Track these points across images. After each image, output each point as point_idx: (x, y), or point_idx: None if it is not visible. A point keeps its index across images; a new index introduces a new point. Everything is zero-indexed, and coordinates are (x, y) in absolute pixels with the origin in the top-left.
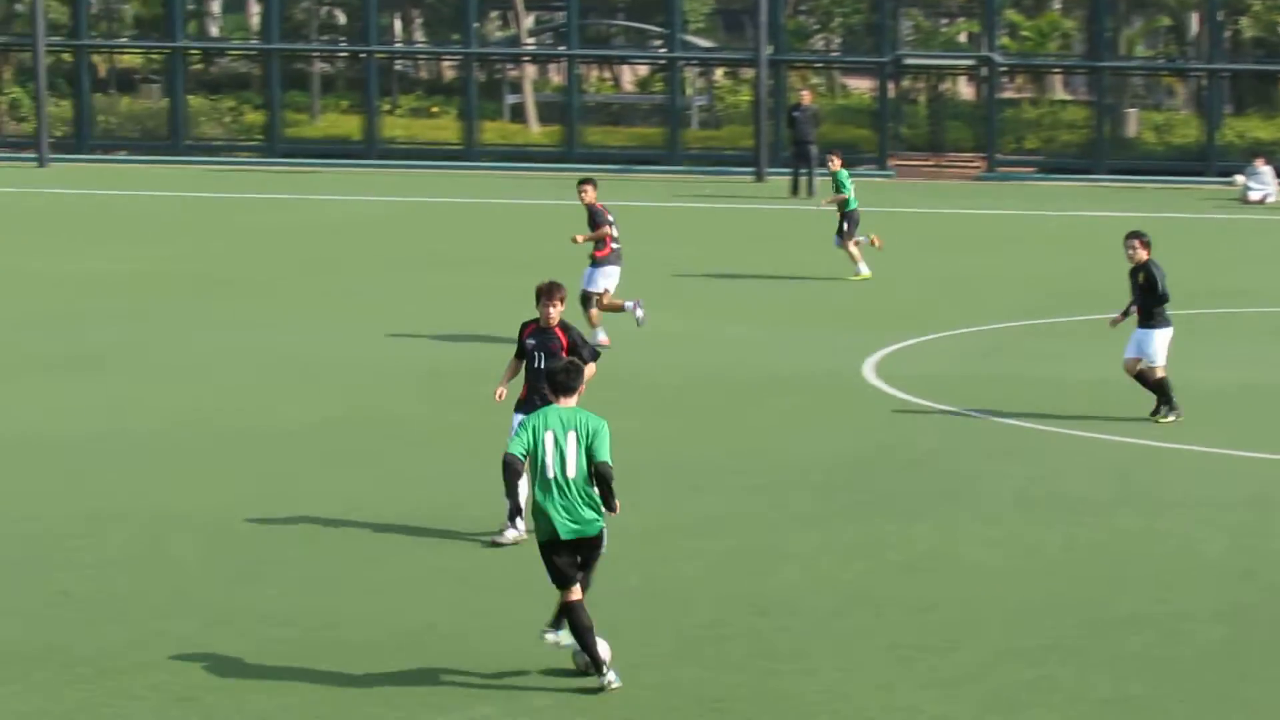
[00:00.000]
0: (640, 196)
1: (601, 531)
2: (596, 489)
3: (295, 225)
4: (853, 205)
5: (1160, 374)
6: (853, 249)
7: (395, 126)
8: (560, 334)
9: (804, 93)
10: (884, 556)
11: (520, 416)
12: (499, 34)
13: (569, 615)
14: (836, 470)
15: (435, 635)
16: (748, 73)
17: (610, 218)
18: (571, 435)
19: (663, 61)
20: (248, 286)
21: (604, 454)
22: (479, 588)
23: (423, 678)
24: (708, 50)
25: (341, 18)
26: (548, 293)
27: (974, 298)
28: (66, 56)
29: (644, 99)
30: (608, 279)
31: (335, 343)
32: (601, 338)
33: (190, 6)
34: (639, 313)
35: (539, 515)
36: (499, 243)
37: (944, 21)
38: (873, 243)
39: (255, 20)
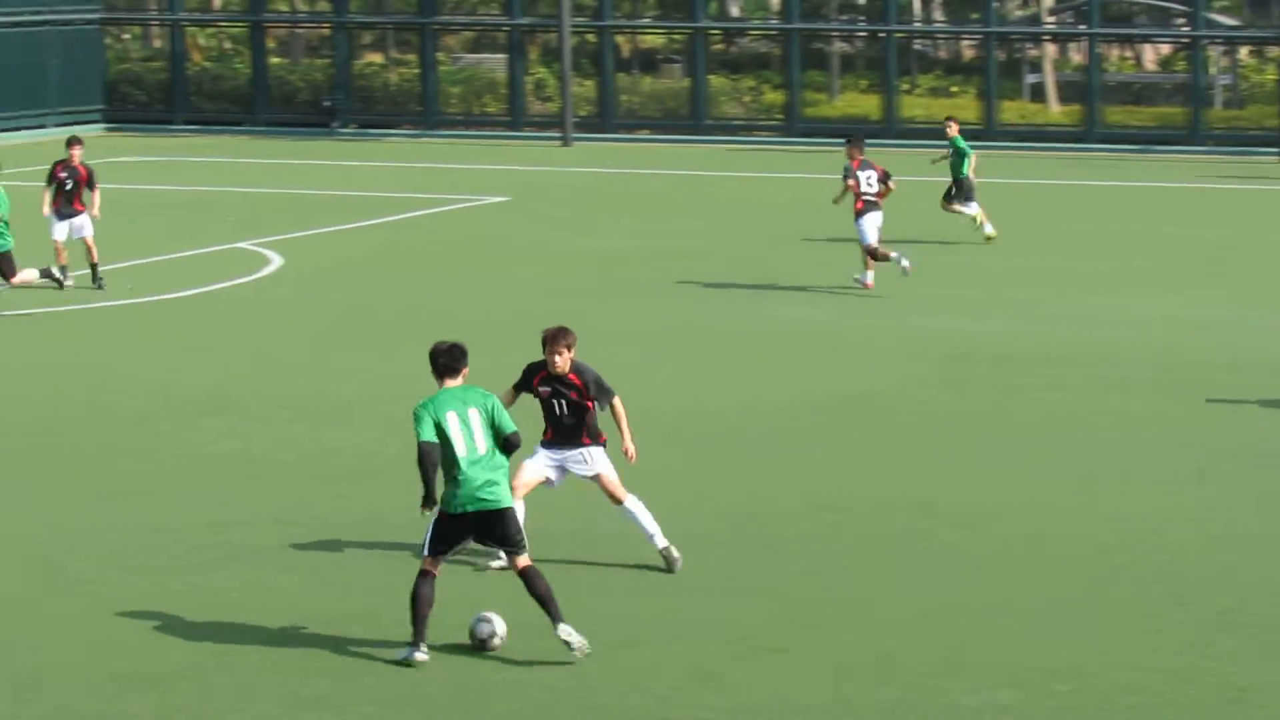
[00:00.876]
0: (1162, 177)
1: (513, 511)
2: (506, 458)
3: (816, 204)
4: (964, 173)
5: None
6: (967, 209)
7: (914, 106)
8: (574, 379)
9: None
10: None
11: (540, 450)
12: (1019, 13)
13: (419, 583)
14: None
15: (940, 615)
16: (1274, 51)
17: (861, 173)
18: (473, 412)
19: (1186, 40)
20: (768, 265)
21: (510, 425)
22: (992, 573)
23: (927, 657)
24: (1232, 28)
25: None
26: (553, 340)
27: None
28: (590, 37)
29: (1166, 78)
30: (874, 229)
31: (844, 321)
32: (868, 280)
33: None
34: (904, 263)
35: (449, 490)
36: (1018, 221)
37: None
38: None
39: (775, 0)
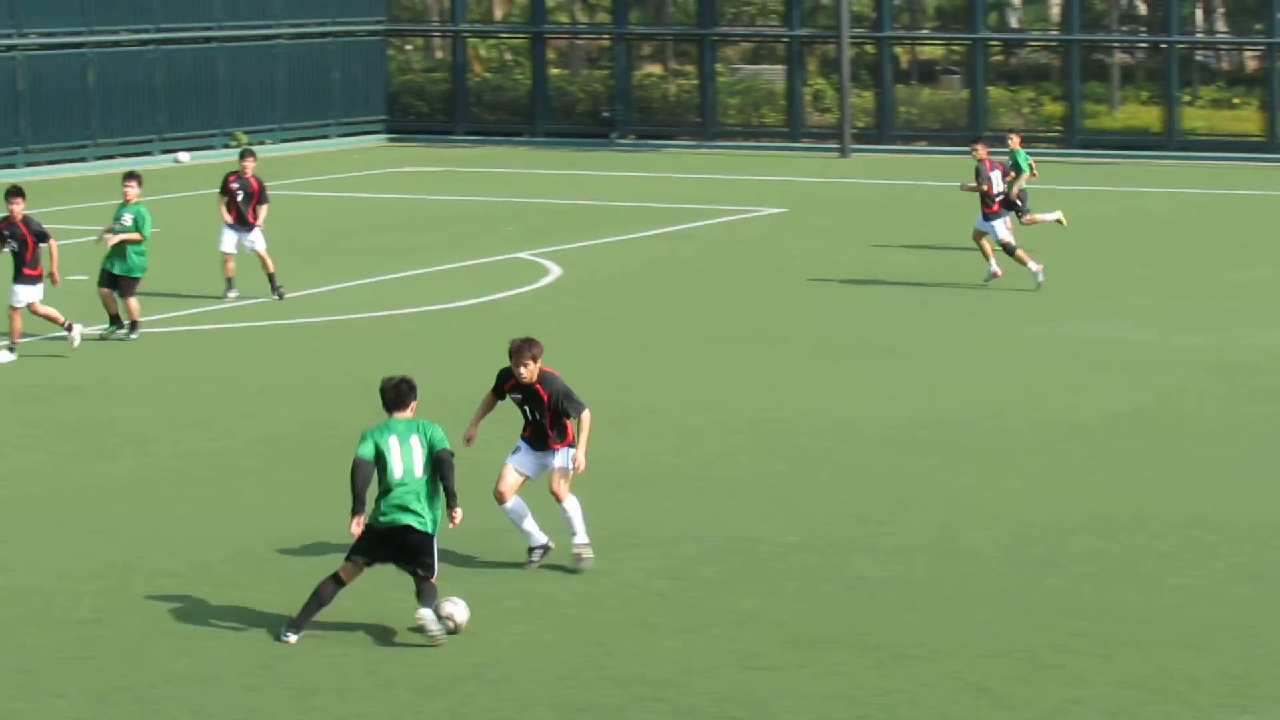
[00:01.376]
0: None
1: (432, 539)
2: (441, 482)
3: (1095, 217)
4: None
5: None
6: (1041, 216)
7: (1195, 118)
8: (540, 390)
9: None
10: None
11: (521, 445)
12: None
13: (324, 582)
14: None
15: (1223, 633)
16: None
17: (994, 174)
18: (414, 438)
19: None
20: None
21: (441, 442)
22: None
23: (1208, 676)
24: None
25: (1142, 8)
26: (517, 353)
27: None
28: (869, 48)
29: None
30: (1005, 228)
31: (1124, 336)
32: (996, 268)
33: None
34: (1040, 277)
35: (376, 505)
36: None
37: None
38: (1060, 221)
39: (1055, 11)
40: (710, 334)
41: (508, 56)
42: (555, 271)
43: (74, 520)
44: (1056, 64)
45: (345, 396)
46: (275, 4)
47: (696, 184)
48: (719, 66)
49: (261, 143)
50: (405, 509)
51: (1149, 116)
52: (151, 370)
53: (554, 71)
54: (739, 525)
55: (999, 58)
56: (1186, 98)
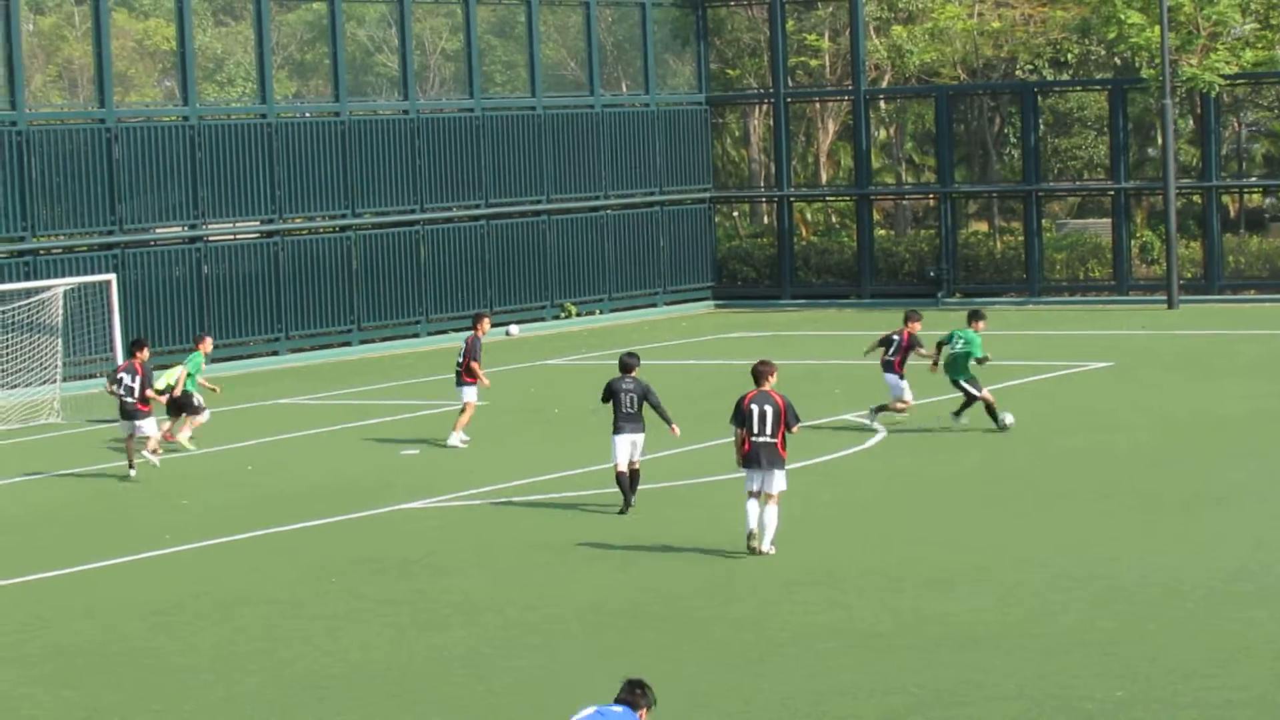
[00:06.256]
0: None
1: None
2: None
3: None
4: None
5: None
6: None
7: None
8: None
9: None
10: None
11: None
12: None
13: None
14: None
15: None
16: None
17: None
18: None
19: None
20: None
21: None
22: None
23: None
24: None
25: None
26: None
27: None
28: (1196, 198)
29: None
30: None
31: None
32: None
33: None
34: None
35: None
36: None
37: None
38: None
39: None
40: (1036, 490)
41: (834, 219)
42: (882, 432)
43: (409, 691)
44: None
45: (675, 562)
46: (602, 176)
47: (1023, 340)
48: (1045, 221)
49: (591, 313)
50: None
51: None
52: (480, 540)
53: (880, 233)
54: (1064, 682)
55: None
56: None
